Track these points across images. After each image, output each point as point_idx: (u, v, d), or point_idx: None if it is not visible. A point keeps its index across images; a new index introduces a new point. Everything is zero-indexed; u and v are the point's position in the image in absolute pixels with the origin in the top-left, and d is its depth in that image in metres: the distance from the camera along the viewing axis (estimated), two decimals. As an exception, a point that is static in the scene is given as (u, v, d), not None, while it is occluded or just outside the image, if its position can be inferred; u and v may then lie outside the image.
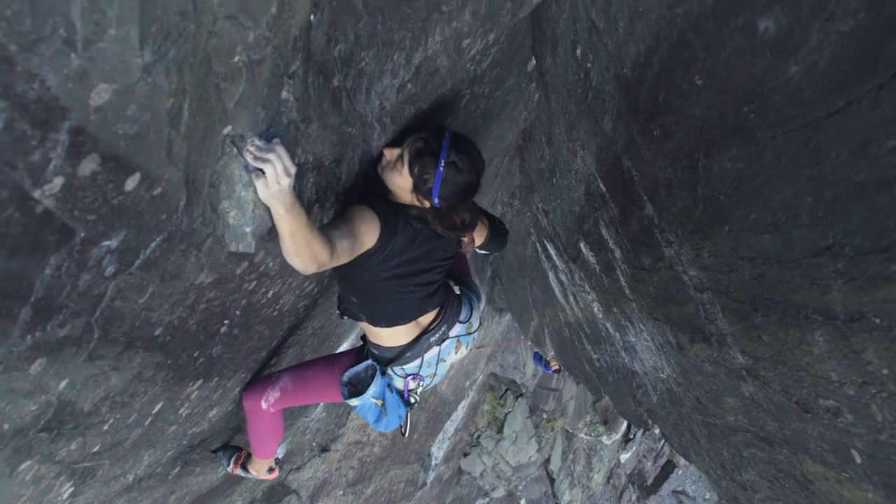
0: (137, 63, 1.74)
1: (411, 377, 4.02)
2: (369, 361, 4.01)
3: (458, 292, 4.19)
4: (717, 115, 2.38)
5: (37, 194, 1.74)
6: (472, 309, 4.17)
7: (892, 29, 1.44)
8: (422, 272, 3.71)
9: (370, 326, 3.84)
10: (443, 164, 3.27)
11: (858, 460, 2.68)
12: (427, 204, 3.43)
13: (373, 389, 3.85)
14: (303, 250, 2.85)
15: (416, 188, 3.37)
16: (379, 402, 3.93)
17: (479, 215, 3.70)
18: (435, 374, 4.18)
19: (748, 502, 4.84)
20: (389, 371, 4.02)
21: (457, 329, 4.03)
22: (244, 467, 5.03)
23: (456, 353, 4.19)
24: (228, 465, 4.93)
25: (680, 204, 3.13)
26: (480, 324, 4.37)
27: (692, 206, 2.99)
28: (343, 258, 3.12)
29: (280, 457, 7.14)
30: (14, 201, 1.69)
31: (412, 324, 3.90)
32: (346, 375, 3.96)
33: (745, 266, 2.76)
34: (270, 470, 5.22)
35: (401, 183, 3.43)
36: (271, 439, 4.76)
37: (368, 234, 3.27)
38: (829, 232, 2.06)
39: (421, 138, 3.38)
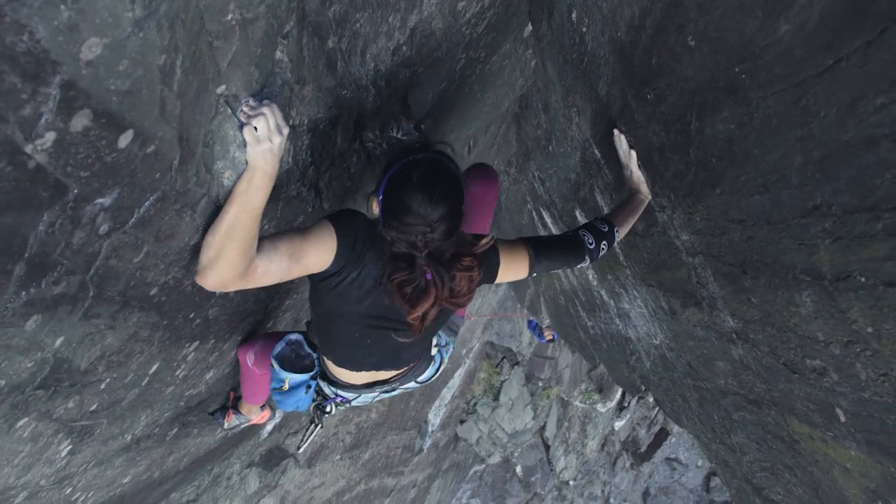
0: (128, 17, 1.73)
1: (341, 398, 3.86)
2: (311, 358, 3.84)
3: (434, 353, 3.92)
4: (709, 76, 2.39)
5: (28, 149, 1.74)
6: (438, 367, 3.96)
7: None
8: (384, 329, 3.25)
9: (325, 356, 3.62)
10: (398, 165, 2.93)
11: (843, 419, 2.71)
12: (374, 210, 3.03)
13: (295, 378, 3.76)
14: (226, 254, 2.65)
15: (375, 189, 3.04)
16: (284, 386, 3.81)
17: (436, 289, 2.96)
18: (369, 402, 4.04)
19: (737, 465, 4.90)
20: (321, 382, 3.88)
21: (409, 385, 3.87)
22: (236, 409, 5.07)
23: (396, 392, 4.01)
24: (223, 420, 4.96)
25: (672, 168, 3.15)
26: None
27: (685, 170, 3.00)
28: (265, 281, 2.79)
29: (275, 414, 7.21)
30: (5, 156, 1.69)
31: (364, 373, 3.62)
32: (278, 349, 3.83)
33: (735, 228, 2.77)
34: (262, 408, 5.29)
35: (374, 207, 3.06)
36: (259, 391, 4.81)
37: (318, 256, 2.91)
38: (817, 192, 2.07)
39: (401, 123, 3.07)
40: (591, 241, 3.48)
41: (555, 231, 8.07)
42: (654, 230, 3.97)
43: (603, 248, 3.51)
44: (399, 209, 2.85)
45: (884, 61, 1.54)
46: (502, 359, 25.66)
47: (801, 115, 1.96)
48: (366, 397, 3.82)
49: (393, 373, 3.67)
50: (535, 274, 3.49)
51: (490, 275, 3.36)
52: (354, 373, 3.56)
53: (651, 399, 8.99)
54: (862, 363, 2.34)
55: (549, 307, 12.35)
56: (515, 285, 16.42)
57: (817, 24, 1.70)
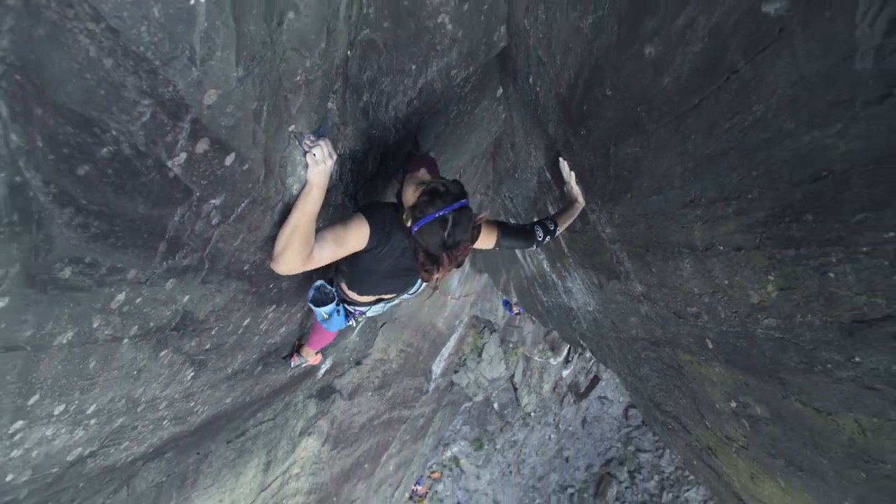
0: (234, 76, 1.82)
1: (359, 312, 3.77)
2: (332, 292, 3.67)
3: None
4: (621, 116, 2.39)
5: (169, 164, 1.82)
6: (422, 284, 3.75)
7: (725, 47, 1.52)
8: (405, 280, 3.36)
9: (344, 284, 3.56)
10: (438, 214, 2.73)
11: (711, 347, 2.75)
12: (409, 224, 2.88)
13: (327, 308, 3.60)
14: (291, 247, 2.67)
15: (412, 209, 2.83)
16: (325, 316, 3.66)
17: (448, 264, 3.00)
18: (380, 312, 3.96)
19: (644, 389, 4.93)
20: (345, 305, 3.78)
21: (404, 296, 3.78)
22: (299, 353, 5.13)
23: (397, 303, 3.97)
24: (290, 361, 4.97)
25: (599, 181, 3.14)
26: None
27: (607, 182, 3.00)
28: (320, 263, 2.80)
29: (326, 360, 7.23)
30: (155, 168, 1.77)
31: (375, 296, 3.60)
32: (310, 295, 3.66)
33: (641, 221, 2.79)
34: (315, 354, 5.30)
35: (409, 197, 2.90)
36: (318, 340, 4.87)
37: (357, 240, 2.88)
38: (692, 190, 2.10)
39: (447, 185, 2.82)
40: (540, 234, 3.50)
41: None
42: (588, 227, 3.98)
43: (547, 239, 3.53)
44: (432, 243, 2.82)
45: (728, 100, 1.62)
46: (483, 327, 25.65)
47: (680, 138, 1.99)
48: (375, 308, 3.77)
49: (395, 294, 3.63)
50: (497, 248, 3.55)
51: None
52: (370, 297, 3.55)
53: (588, 354, 9.02)
54: (722, 306, 2.39)
55: (517, 289, 12.31)
56: (493, 275, 16.36)
57: (687, 78, 1.76)
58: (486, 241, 3.39)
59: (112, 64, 1.42)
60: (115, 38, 1.38)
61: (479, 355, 25.36)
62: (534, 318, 15.47)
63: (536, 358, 25.76)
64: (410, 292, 3.68)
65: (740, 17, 1.41)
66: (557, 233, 3.64)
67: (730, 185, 1.86)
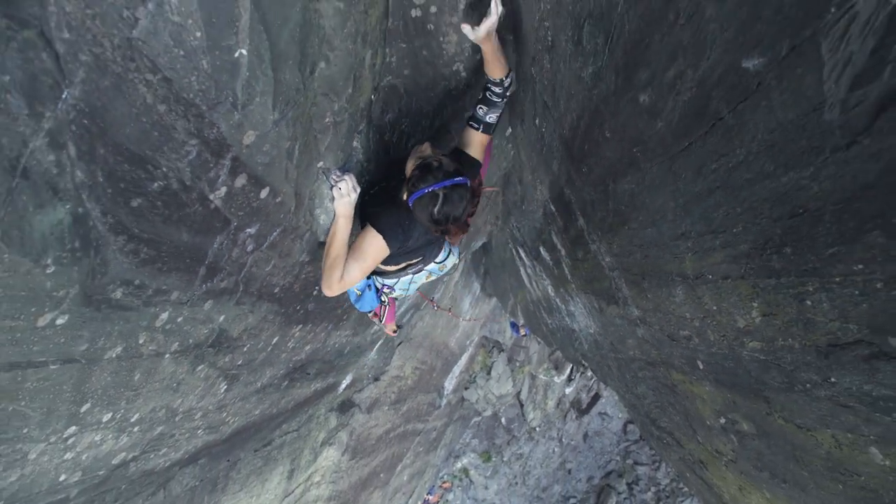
0: (270, 119, 1.88)
1: (386, 286, 3.51)
2: None
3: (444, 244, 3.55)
4: (618, 155, 2.42)
5: (211, 197, 1.88)
6: (448, 253, 3.51)
7: (710, 97, 1.57)
8: (429, 247, 3.15)
9: None
10: (428, 190, 2.51)
11: (701, 367, 2.74)
12: (404, 197, 2.64)
13: (359, 284, 3.44)
14: (328, 272, 2.65)
15: (407, 181, 2.59)
16: (358, 293, 3.53)
17: (455, 232, 2.91)
18: (407, 290, 3.62)
19: (641, 406, 4.90)
20: (374, 278, 3.56)
21: (430, 266, 3.42)
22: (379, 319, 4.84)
23: (426, 279, 3.62)
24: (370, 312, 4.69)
25: (599, 215, 3.15)
26: (454, 266, 3.71)
27: (606, 216, 3.02)
28: (352, 281, 2.73)
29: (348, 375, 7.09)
30: (199, 201, 1.83)
31: (403, 265, 3.32)
32: None
33: (637, 251, 2.80)
34: (393, 330, 5.09)
35: (408, 169, 2.62)
36: (391, 315, 4.57)
37: (377, 252, 2.74)
38: (683, 223, 2.13)
39: (441, 161, 2.59)
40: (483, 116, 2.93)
41: (527, 262, 8.08)
42: (589, 256, 3.99)
43: (489, 100, 2.86)
44: (422, 217, 2.59)
45: (714, 143, 1.65)
46: (492, 347, 25.50)
47: (672, 177, 2.03)
48: (404, 281, 3.46)
49: (418, 259, 3.26)
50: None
51: (477, 166, 3.01)
52: (398, 265, 3.26)
53: (589, 373, 8.98)
54: (711, 330, 2.40)
55: (524, 312, 12.29)
56: (502, 299, 16.31)
57: (678, 123, 1.80)
58: (477, 146, 3.00)
59: (165, 109, 1.49)
60: (169, 86, 1.45)
61: (488, 373, 25.20)
62: (539, 339, 15.42)
63: (541, 376, 25.58)
64: (438, 260, 3.44)
65: (723, 71, 1.46)
66: (497, 79, 2.78)
67: (717, 220, 1.89)
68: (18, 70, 1.14)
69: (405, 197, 2.64)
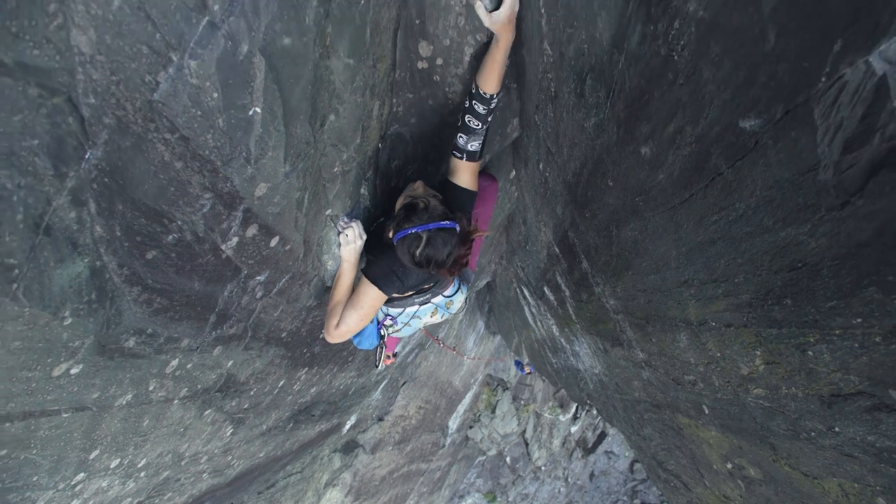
0: (282, 171, 1.93)
1: (389, 317, 3.31)
2: None
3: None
4: (621, 203, 2.45)
5: (223, 247, 1.92)
6: (457, 289, 3.35)
7: (710, 153, 1.61)
8: (426, 286, 3.07)
9: None
10: (411, 231, 2.43)
11: (707, 412, 2.74)
12: (390, 234, 2.52)
13: None
14: (330, 318, 2.65)
15: (394, 220, 2.51)
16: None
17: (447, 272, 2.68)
18: (408, 325, 3.41)
19: (647, 448, 4.87)
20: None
21: (438, 300, 3.27)
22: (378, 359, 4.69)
23: (431, 317, 3.40)
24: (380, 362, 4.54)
25: (603, 259, 3.17)
26: (461, 307, 3.52)
27: (610, 260, 3.04)
28: (351, 330, 2.70)
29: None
30: (211, 251, 1.88)
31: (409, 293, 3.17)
32: None
33: (641, 295, 2.82)
34: (387, 357, 4.98)
35: (397, 206, 2.57)
36: (391, 343, 4.41)
37: (374, 300, 2.70)
38: (685, 271, 2.16)
39: (428, 203, 2.51)
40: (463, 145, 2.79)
41: (532, 301, 8.08)
42: (593, 298, 4.01)
43: (475, 111, 2.67)
44: (404, 258, 2.51)
45: (714, 196, 1.69)
46: (497, 385, 25.34)
47: (674, 226, 2.06)
48: (409, 312, 3.27)
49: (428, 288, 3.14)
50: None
51: (469, 196, 2.90)
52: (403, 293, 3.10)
53: (594, 411, 8.91)
54: (715, 375, 2.41)
55: (528, 350, 12.24)
56: (506, 337, 16.26)
57: (678, 175, 1.84)
58: (467, 175, 2.87)
59: (182, 165, 1.54)
60: (186, 144, 1.51)
61: (493, 412, 24.99)
62: (544, 378, 15.32)
63: (546, 414, 25.35)
64: (447, 294, 3.30)
65: (721, 129, 1.50)
66: (487, 93, 2.59)
67: (719, 270, 1.92)
68: (46, 134, 1.19)
69: (390, 234, 2.54)
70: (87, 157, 1.30)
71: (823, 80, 1.11)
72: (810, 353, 1.69)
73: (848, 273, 1.33)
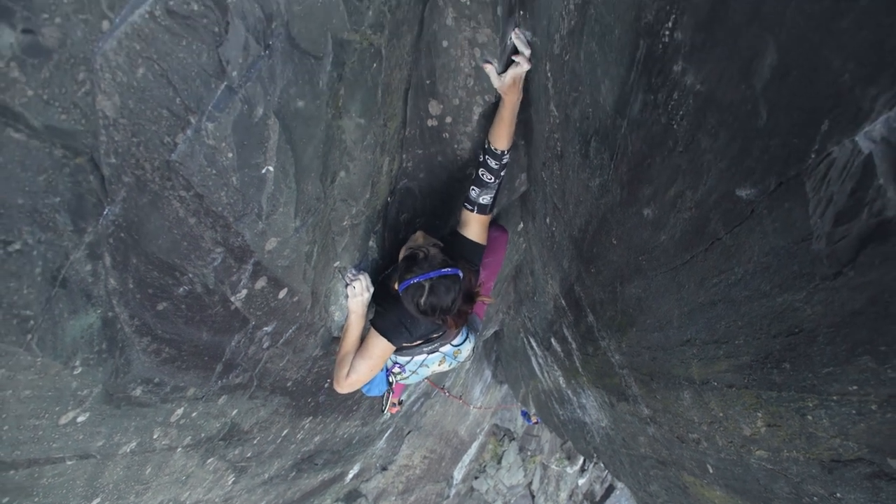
0: (292, 226, 1.99)
1: (397, 365, 3.29)
2: None
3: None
4: (625, 261, 2.49)
5: (233, 299, 1.97)
6: (465, 338, 3.36)
7: (709, 218, 1.65)
8: (435, 335, 3.05)
9: None
10: (413, 281, 2.47)
11: (711, 471, 2.73)
12: (395, 285, 2.57)
13: None
14: (338, 369, 2.67)
15: (397, 271, 2.56)
16: None
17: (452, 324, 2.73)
18: (416, 373, 3.41)
19: None
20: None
21: (446, 349, 3.27)
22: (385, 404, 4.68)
23: (438, 365, 3.40)
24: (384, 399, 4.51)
25: (608, 314, 3.19)
26: (469, 356, 3.50)
27: (615, 315, 3.06)
28: (361, 380, 2.72)
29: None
30: (220, 303, 1.92)
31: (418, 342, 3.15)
32: None
33: (645, 352, 2.83)
34: (393, 404, 5.02)
35: (400, 258, 2.58)
36: (397, 390, 4.41)
37: (382, 351, 2.74)
38: (688, 331, 2.18)
39: (427, 252, 2.54)
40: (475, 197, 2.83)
41: (539, 352, 8.05)
42: (599, 352, 4.00)
43: (490, 166, 2.75)
44: (410, 307, 2.52)
45: (714, 260, 1.72)
46: (503, 435, 25.00)
47: (676, 286, 2.09)
48: (417, 360, 3.25)
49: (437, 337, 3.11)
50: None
51: (478, 249, 2.94)
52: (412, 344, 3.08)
53: (602, 464, 8.80)
54: (719, 435, 2.41)
55: (535, 401, 12.13)
56: (513, 387, 16.13)
57: (680, 237, 1.87)
58: (478, 228, 2.91)
59: (195, 221, 1.59)
60: (200, 201, 1.56)
61: (499, 462, 24.59)
62: (551, 429, 15.14)
63: (553, 466, 24.93)
64: (455, 343, 3.29)
65: (719, 196, 1.55)
66: (498, 150, 2.70)
67: (720, 331, 1.94)
68: (68, 192, 1.25)
69: (396, 286, 2.58)
70: (105, 213, 1.35)
71: (813, 156, 1.15)
72: (809, 417, 1.70)
73: (843, 341, 1.36)
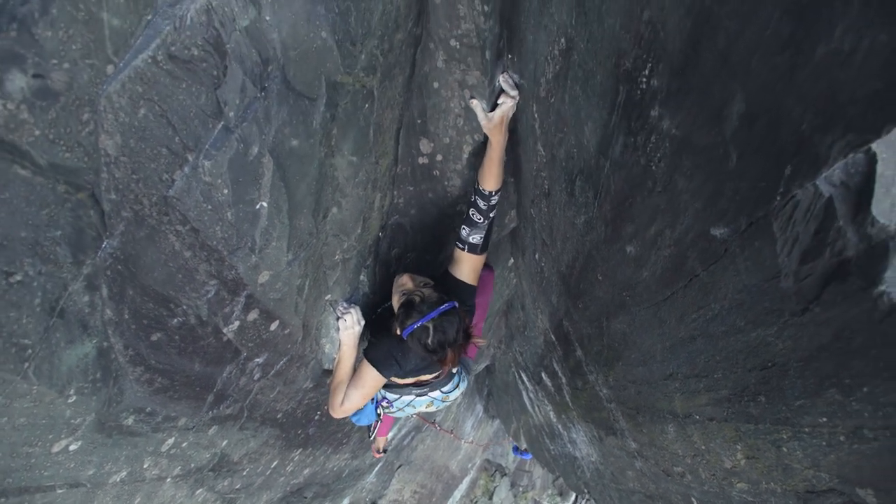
0: (284, 260, 2.03)
1: (385, 399, 3.32)
2: None
3: (454, 371, 3.41)
4: (610, 297, 2.53)
5: (225, 330, 2.00)
6: (456, 385, 3.41)
7: (686, 256, 1.71)
8: (425, 379, 3.13)
9: None
10: (417, 325, 2.53)
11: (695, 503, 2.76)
12: (398, 332, 2.61)
13: None
14: (333, 396, 2.75)
15: (397, 318, 2.60)
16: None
17: (450, 358, 2.71)
18: (402, 410, 3.44)
19: None
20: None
21: (435, 394, 3.33)
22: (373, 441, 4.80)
23: (426, 408, 3.45)
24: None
25: (595, 348, 3.22)
26: (457, 398, 3.57)
27: (601, 350, 3.09)
28: (352, 407, 2.78)
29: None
30: (213, 334, 1.95)
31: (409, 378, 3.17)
32: None
33: (631, 386, 2.86)
34: (378, 450, 5.19)
35: (395, 306, 2.66)
36: (384, 428, 4.59)
37: (374, 381, 2.76)
38: (670, 365, 2.21)
39: (423, 295, 2.60)
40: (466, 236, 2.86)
41: (530, 386, 8.04)
42: (587, 386, 4.02)
43: (480, 207, 2.80)
44: (418, 350, 2.58)
45: (692, 296, 1.77)
46: (495, 471, 24.75)
47: (658, 321, 2.14)
48: (405, 399, 3.29)
49: (427, 378, 3.16)
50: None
51: (469, 290, 2.98)
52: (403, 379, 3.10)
53: (593, 500, 8.74)
54: (702, 468, 2.43)
55: (527, 436, 12.06)
56: (505, 421, 16.03)
57: (660, 274, 1.92)
58: (469, 267, 2.95)
59: (191, 255, 1.64)
60: (196, 235, 1.61)
61: (490, 498, 24.28)
62: (543, 465, 15.02)
63: (545, 502, 24.67)
64: (445, 390, 3.33)
65: (696, 235, 1.61)
66: (486, 190, 2.74)
67: (700, 365, 1.98)
68: (69, 225, 1.30)
69: (398, 332, 2.61)
70: (103, 246, 1.40)
71: (779, 198, 1.21)
72: (785, 449, 1.74)
73: (812, 374, 1.40)
